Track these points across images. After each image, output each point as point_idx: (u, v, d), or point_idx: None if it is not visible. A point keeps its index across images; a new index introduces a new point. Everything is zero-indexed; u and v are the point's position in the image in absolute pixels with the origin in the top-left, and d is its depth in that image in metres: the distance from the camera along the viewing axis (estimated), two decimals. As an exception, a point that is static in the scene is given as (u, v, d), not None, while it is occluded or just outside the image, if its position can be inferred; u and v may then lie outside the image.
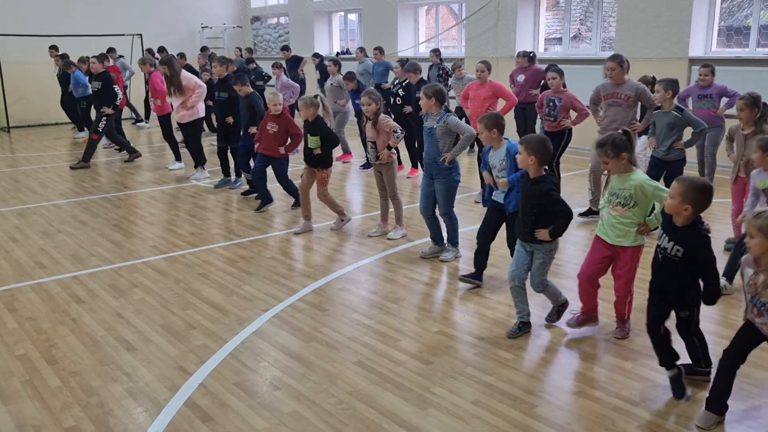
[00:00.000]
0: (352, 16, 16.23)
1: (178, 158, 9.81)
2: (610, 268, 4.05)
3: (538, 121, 8.05)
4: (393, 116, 8.05)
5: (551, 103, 6.77)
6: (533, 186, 3.93)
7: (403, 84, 8.43)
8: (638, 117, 6.77)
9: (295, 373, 3.69)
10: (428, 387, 3.51)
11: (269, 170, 7.21)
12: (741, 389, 3.38)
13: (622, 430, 3.12)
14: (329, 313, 4.52)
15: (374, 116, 5.85)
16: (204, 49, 15.51)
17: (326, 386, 3.54)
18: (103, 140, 10.93)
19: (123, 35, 14.99)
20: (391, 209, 6.21)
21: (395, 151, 6.19)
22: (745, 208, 4.70)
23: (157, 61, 10.18)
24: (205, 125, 10.92)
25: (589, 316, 4.16)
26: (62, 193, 8.32)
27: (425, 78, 9.50)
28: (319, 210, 7.26)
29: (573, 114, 6.92)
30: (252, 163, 7.57)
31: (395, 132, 5.84)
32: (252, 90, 7.73)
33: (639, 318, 4.24)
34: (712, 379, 3.27)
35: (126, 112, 13.38)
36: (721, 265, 4.71)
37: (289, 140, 7.04)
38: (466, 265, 5.44)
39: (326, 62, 9.65)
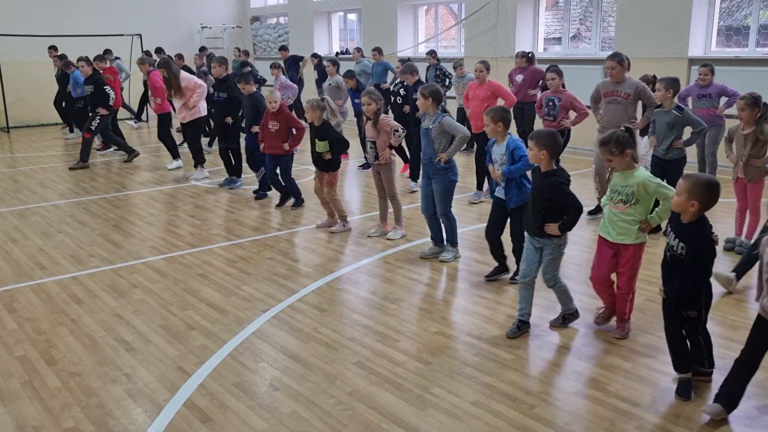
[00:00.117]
0: (352, 16, 16.23)
1: (175, 156, 9.81)
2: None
3: (537, 121, 8.03)
4: (393, 116, 8.06)
5: (551, 103, 6.78)
6: (544, 180, 3.95)
7: (405, 84, 8.43)
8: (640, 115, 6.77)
9: (294, 373, 3.69)
10: (427, 387, 3.51)
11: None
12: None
13: (622, 431, 3.12)
14: (328, 313, 4.51)
15: (375, 116, 5.85)
16: (202, 49, 15.50)
17: (325, 387, 3.54)
18: (96, 143, 10.95)
19: (122, 35, 14.98)
20: (391, 209, 6.22)
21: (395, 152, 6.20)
22: None
23: (155, 60, 10.20)
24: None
25: (613, 310, 4.16)
26: (61, 194, 8.32)
27: (423, 80, 9.50)
28: (319, 210, 7.26)
29: (572, 114, 6.92)
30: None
31: (396, 131, 5.84)
32: (256, 89, 7.73)
33: (639, 318, 4.26)
34: (722, 380, 3.27)
35: (124, 113, 13.38)
36: (722, 265, 4.74)
37: (292, 136, 7.08)
38: (466, 266, 5.44)
39: (325, 62, 9.63)
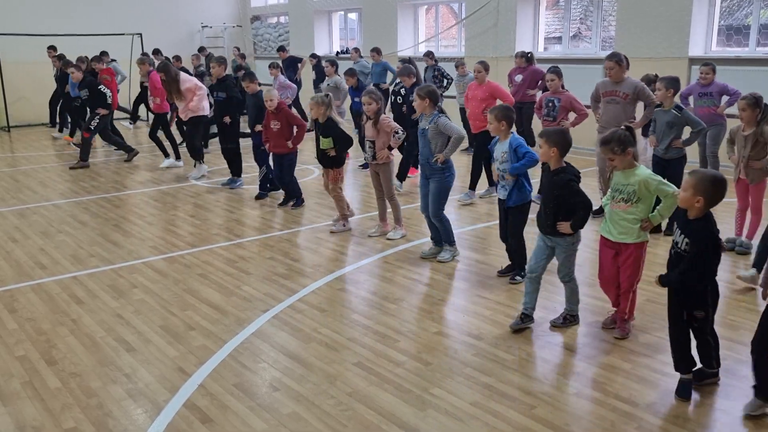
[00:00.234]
0: (352, 15, 16.22)
1: (166, 155, 9.81)
2: None
3: (535, 121, 8.03)
4: (393, 116, 8.05)
5: (550, 104, 6.78)
6: (554, 177, 3.99)
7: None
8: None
9: (294, 374, 3.69)
10: (427, 388, 3.51)
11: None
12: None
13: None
14: (329, 313, 4.52)
15: (375, 116, 5.85)
16: (201, 49, 15.48)
17: (325, 387, 3.54)
18: (77, 137, 10.97)
19: (123, 35, 14.99)
20: (390, 210, 6.22)
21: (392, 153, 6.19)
22: None
23: (154, 61, 10.21)
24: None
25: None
26: (62, 193, 8.32)
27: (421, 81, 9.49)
28: (319, 209, 7.27)
29: (572, 115, 6.93)
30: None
31: (396, 133, 5.85)
32: (260, 88, 7.74)
33: (639, 318, 4.26)
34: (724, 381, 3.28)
35: (118, 114, 13.34)
36: (723, 265, 4.73)
37: (294, 134, 7.11)
38: (466, 266, 5.44)
39: (323, 63, 9.62)
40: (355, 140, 8.94)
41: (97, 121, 9.90)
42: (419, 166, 5.61)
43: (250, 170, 9.18)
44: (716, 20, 9.57)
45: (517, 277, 4.97)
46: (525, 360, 3.84)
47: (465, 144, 7.77)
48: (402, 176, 7.95)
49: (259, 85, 7.78)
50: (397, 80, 9.17)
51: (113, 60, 12.58)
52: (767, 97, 5.49)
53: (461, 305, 4.66)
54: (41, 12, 15.04)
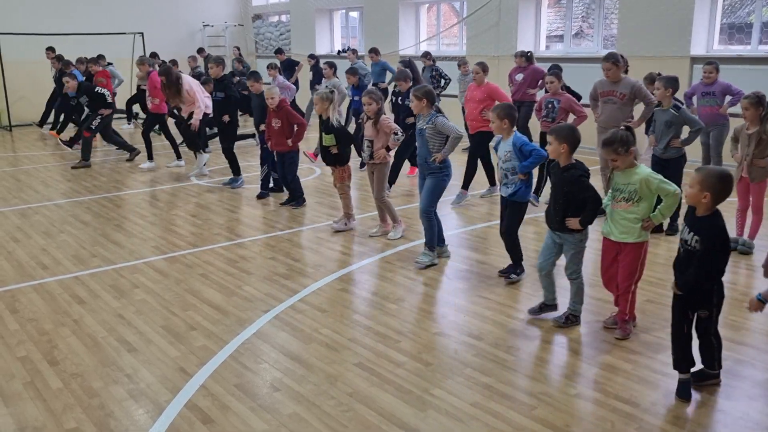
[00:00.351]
0: (354, 14, 16.22)
1: (150, 158, 9.72)
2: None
3: (533, 121, 8.01)
4: (394, 117, 8.04)
5: (550, 105, 6.77)
6: (564, 174, 4.02)
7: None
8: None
9: (295, 374, 3.70)
10: (427, 389, 3.52)
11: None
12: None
13: (622, 432, 3.13)
14: (329, 314, 4.52)
15: (375, 116, 5.85)
16: (200, 50, 15.46)
17: (326, 388, 3.55)
18: (64, 136, 11.00)
19: (124, 33, 15.01)
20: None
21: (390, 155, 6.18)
22: None
23: (154, 62, 10.23)
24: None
25: None
26: (64, 193, 8.34)
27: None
28: (320, 209, 7.28)
29: (571, 118, 6.92)
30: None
31: (395, 134, 5.84)
32: (264, 88, 7.74)
33: (639, 319, 4.26)
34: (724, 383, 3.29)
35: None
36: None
37: (294, 132, 7.13)
38: (466, 266, 5.44)
39: (322, 65, 9.60)
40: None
41: (98, 120, 9.92)
42: (418, 166, 5.61)
43: (251, 169, 9.20)
44: (718, 18, 9.55)
45: (512, 276, 4.97)
46: (525, 360, 3.84)
47: (466, 143, 7.75)
48: (391, 180, 7.89)
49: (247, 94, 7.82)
50: None
51: (110, 63, 12.52)
52: (770, 96, 5.48)
53: (462, 305, 4.66)
54: (42, 11, 15.06)
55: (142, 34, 15.23)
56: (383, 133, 5.87)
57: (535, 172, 5.08)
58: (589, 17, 12.98)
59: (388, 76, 11.31)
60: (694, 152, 7.53)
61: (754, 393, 3.45)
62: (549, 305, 4.35)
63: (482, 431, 3.15)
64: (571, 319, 4.23)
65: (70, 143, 10.98)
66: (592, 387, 3.53)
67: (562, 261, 4.29)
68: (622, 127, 3.94)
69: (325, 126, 6.24)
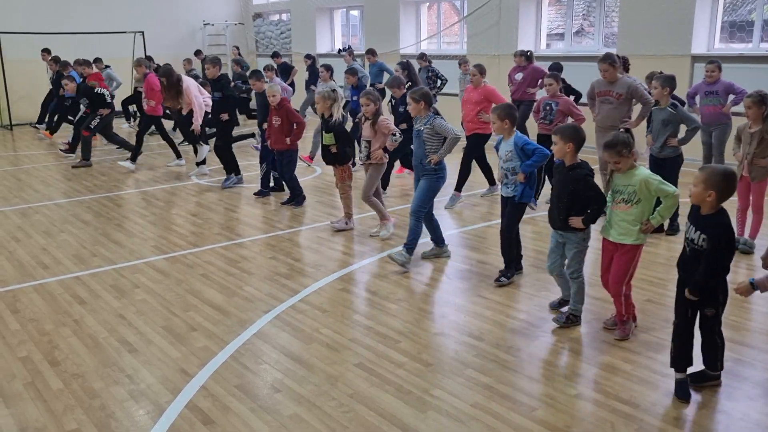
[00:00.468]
0: (354, 13, 16.20)
1: (134, 159, 9.63)
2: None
3: (531, 122, 8.00)
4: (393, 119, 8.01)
5: (548, 107, 6.73)
6: (569, 173, 4.04)
7: (406, 86, 8.33)
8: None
9: (295, 375, 3.70)
10: (428, 389, 3.52)
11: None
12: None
13: (622, 433, 3.13)
14: (330, 314, 4.52)
15: (373, 116, 5.85)
16: (198, 53, 15.42)
17: (327, 389, 3.55)
18: (62, 145, 11.00)
19: (125, 33, 15.00)
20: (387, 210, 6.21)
21: (387, 155, 6.15)
22: None
23: (151, 64, 10.23)
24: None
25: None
26: (65, 192, 8.34)
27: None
28: (320, 208, 7.27)
29: (568, 120, 6.91)
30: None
31: (393, 135, 5.83)
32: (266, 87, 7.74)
33: (640, 319, 4.26)
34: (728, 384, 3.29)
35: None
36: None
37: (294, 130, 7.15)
38: (467, 266, 5.44)
39: (319, 68, 9.58)
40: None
41: (98, 120, 9.91)
42: (413, 167, 5.58)
43: (252, 168, 9.20)
44: (719, 16, 9.53)
45: (502, 279, 4.92)
46: (526, 361, 3.84)
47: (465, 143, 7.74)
48: (384, 183, 7.86)
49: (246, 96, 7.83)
50: None
51: (107, 66, 12.44)
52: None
53: (462, 305, 4.66)
54: (43, 10, 15.06)
55: (143, 33, 15.22)
56: (381, 133, 5.87)
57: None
58: (589, 15, 12.96)
59: (386, 76, 11.30)
60: (694, 151, 7.54)
61: (755, 393, 3.45)
62: (567, 300, 4.38)
63: (482, 432, 3.15)
64: (571, 319, 4.23)
65: (70, 150, 10.93)
66: (592, 388, 3.53)
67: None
68: (621, 130, 3.94)
69: (326, 124, 6.24)
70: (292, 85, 12.65)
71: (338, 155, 6.25)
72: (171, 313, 4.57)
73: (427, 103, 5.22)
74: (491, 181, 7.64)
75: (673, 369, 3.47)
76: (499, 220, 5.12)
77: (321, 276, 5.24)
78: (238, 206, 7.56)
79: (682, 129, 5.87)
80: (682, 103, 7.49)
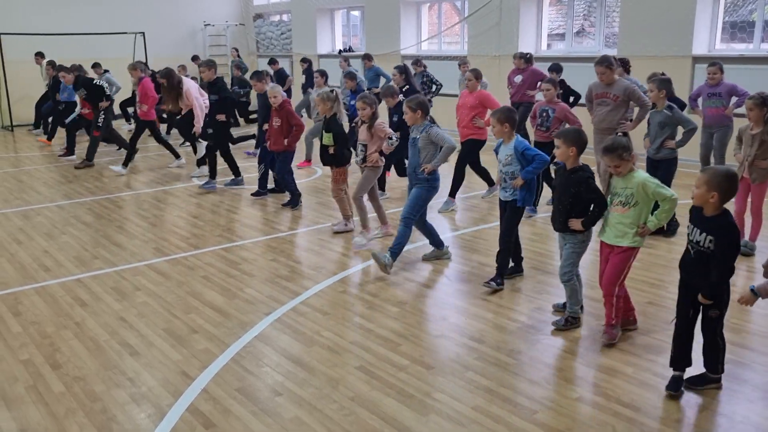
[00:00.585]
0: (355, 13, 16.20)
1: (126, 164, 9.59)
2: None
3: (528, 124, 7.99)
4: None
5: (544, 114, 6.70)
6: (571, 176, 4.06)
7: (403, 90, 8.31)
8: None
9: (297, 378, 3.71)
10: (429, 392, 3.52)
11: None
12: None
13: (623, 437, 3.13)
14: (331, 316, 4.53)
15: (370, 120, 5.84)
16: (194, 58, 15.39)
17: (328, 391, 3.55)
18: (60, 149, 11.02)
19: (125, 33, 15.01)
20: (385, 212, 6.19)
21: (383, 158, 6.13)
22: None
23: (146, 67, 10.27)
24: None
25: (624, 318, 4.18)
26: (66, 194, 8.35)
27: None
28: (321, 210, 7.28)
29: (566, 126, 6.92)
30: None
31: (390, 138, 5.82)
32: (267, 88, 7.75)
33: (641, 321, 4.26)
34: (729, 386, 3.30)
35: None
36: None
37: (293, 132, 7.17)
38: (468, 269, 5.44)
39: (314, 74, 9.58)
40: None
41: (103, 116, 9.92)
42: (407, 175, 5.53)
43: (252, 170, 9.20)
44: (720, 17, 9.52)
45: (492, 283, 4.87)
46: (527, 364, 3.84)
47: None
48: (381, 185, 7.86)
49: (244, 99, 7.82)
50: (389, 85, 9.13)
51: (106, 71, 12.42)
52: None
53: (463, 308, 4.67)
54: (44, 11, 15.07)
55: (143, 34, 15.24)
56: (377, 137, 5.86)
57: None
58: (590, 15, 12.96)
59: (382, 81, 11.30)
60: (692, 152, 7.56)
61: (755, 396, 3.45)
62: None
63: (483, 435, 3.16)
64: (570, 321, 4.24)
65: (69, 153, 10.90)
66: (593, 391, 3.53)
67: (553, 261, 4.30)
68: (619, 134, 3.96)
69: (327, 124, 6.25)
70: (288, 92, 12.67)
71: (336, 156, 6.25)
72: (172, 316, 4.58)
73: (423, 112, 5.21)
74: (490, 182, 7.64)
75: (672, 368, 3.50)
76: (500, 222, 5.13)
77: (322, 278, 5.25)
78: (238, 208, 7.56)
79: (679, 131, 5.87)
80: (683, 105, 7.50)
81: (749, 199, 5.52)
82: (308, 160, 9.80)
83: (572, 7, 11.55)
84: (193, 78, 11.73)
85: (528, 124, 7.85)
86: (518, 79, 9.31)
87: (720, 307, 3.36)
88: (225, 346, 4.10)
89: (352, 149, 6.35)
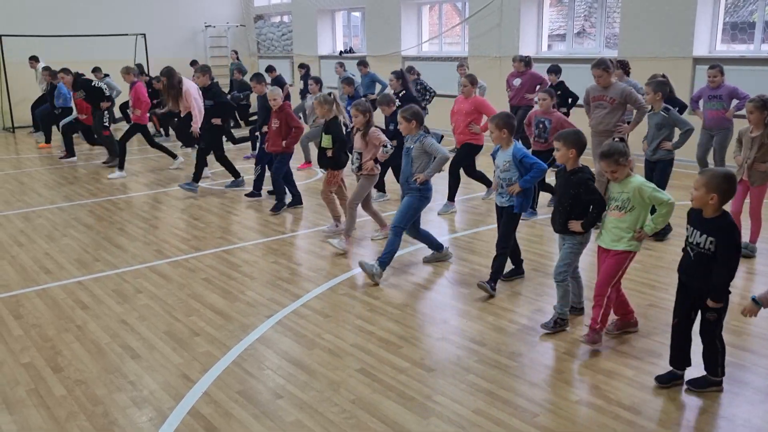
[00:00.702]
0: (356, 14, 16.20)
1: (121, 167, 9.53)
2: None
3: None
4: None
5: (541, 125, 6.67)
6: (571, 177, 4.08)
7: (400, 95, 8.28)
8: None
9: (298, 381, 3.71)
10: (430, 395, 3.53)
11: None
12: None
13: (624, 440, 3.14)
14: (332, 319, 4.53)
15: (364, 127, 5.82)
16: (193, 63, 15.37)
17: (329, 395, 3.56)
18: (60, 152, 11.03)
19: (126, 35, 15.02)
20: (384, 215, 6.18)
21: (379, 166, 6.12)
22: None
23: (138, 72, 10.30)
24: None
25: (624, 321, 4.18)
26: (67, 196, 8.36)
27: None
28: (322, 212, 7.28)
29: None
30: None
31: (385, 146, 5.80)
32: (267, 90, 7.76)
33: (642, 323, 4.26)
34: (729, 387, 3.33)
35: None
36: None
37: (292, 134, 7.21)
38: (469, 271, 5.45)
39: (309, 81, 9.57)
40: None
41: (106, 116, 9.97)
42: (400, 185, 5.51)
43: (251, 171, 9.20)
44: (721, 18, 9.52)
45: (487, 285, 4.83)
46: (527, 367, 3.85)
47: None
48: (380, 186, 7.85)
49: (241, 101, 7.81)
50: (392, 92, 9.12)
51: (106, 75, 12.40)
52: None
53: (464, 310, 4.67)
54: (44, 13, 15.08)
55: (144, 35, 15.25)
56: (372, 145, 5.84)
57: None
58: (591, 16, 12.97)
59: (378, 87, 11.30)
60: (689, 153, 7.56)
61: (756, 399, 3.46)
62: (574, 305, 4.41)
63: (484, 439, 3.16)
64: (559, 323, 4.23)
65: (69, 155, 10.88)
66: (594, 394, 3.53)
67: (553, 263, 4.30)
68: (616, 138, 3.96)
69: (326, 127, 6.26)
70: (287, 99, 12.67)
71: (333, 159, 6.26)
72: (173, 318, 4.58)
73: (418, 122, 5.19)
74: (488, 183, 7.63)
75: (672, 367, 3.55)
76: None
77: (323, 280, 5.25)
78: (240, 210, 7.57)
79: (677, 133, 5.88)
80: (684, 107, 7.50)
81: (747, 201, 5.52)
82: (308, 161, 9.82)
83: (573, 8, 11.56)
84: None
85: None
86: (517, 82, 9.31)
87: (718, 311, 3.36)
88: (226, 349, 4.10)
89: (349, 154, 6.35)
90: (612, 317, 4.18)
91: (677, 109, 7.24)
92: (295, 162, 9.27)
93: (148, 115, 9.78)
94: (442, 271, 5.46)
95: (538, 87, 9.17)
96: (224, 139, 10.76)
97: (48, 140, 12.24)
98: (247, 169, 9.22)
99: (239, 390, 3.62)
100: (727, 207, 3.43)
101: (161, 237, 6.54)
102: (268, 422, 3.32)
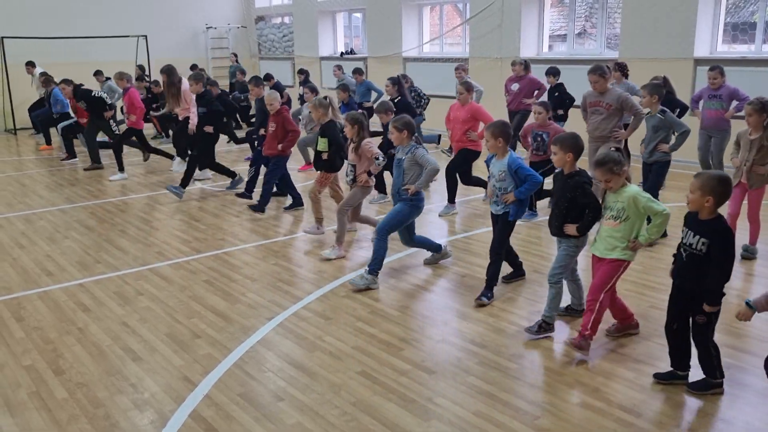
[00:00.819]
0: (357, 15, 16.22)
1: (121, 169, 9.53)
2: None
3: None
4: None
5: (539, 138, 6.61)
6: (568, 180, 4.09)
7: (395, 101, 8.27)
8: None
9: (299, 383, 3.72)
10: (431, 398, 3.53)
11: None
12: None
13: (624, 442, 3.14)
14: (333, 321, 4.54)
15: (356, 139, 5.75)
16: (193, 67, 15.37)
17: (330, 397, 3.56)
18: (61, 154, 11.07)
19: (128, 36, 15.04)
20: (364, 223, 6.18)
21: (374, 178, 6.08)
22: None
23: (133, 77, 10.32)
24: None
25: (624, 324, 4.18)
26: (68, 198, 8.37)
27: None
28: (323, 214, 7.28)
29: None
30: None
31: (377, 159, 5.76)
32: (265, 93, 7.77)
33: (642, 326, 4.26)
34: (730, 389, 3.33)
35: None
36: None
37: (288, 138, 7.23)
38: (469, 273, 5.45)
39: (304, 89, 9.58)
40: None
41: (115, 125, 9.89)
42: (391, 196, 5.46)
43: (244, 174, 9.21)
44: (722, 19, 9.51)
45: (483, 298, 4.77)
46: (528, 369, 3.85)
47: None
48: (382, 188, 7.84)
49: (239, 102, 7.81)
50: (381, 99, 9.11)
51: (108, 78, 12.39)
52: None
53: (465, 312, 4.67)
54: (45, 15, 15.10)
55: (146, 37, 15.27)
56: (365, 158, 5.79)
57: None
58: (592, 17, 12.96)
59: (373, 95, 11.30)
60: (689, 154, 7.55)
61: (756, 401, 3.46)
62: (574, 307, 4.43)
63: (485, 441, 3.16)
64: (544, 327, 4.21)
65: (70, 157, 10.86)
66: (595, 396, 3.53)
67: (549, 263, 4.30)
68: (612, 148, 3.97)
69: (322, 130, 6.27)
70: (288, 104, 12.69)
71: (329, 162, 6.25)
72: (174, 321, 4.59)
73: (409, 132, 5.15)
74: (486, 186, 7.60)
75: (674, 367, 3.59)
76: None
77: (323, 283, 5.26)
78: (240, 211, 7.57)
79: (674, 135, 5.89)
80: (685, 108, 7.50)
81: (745, 202, 5.52)
82: (309, 163, 9.81)
83: (574, 9, 11.55)
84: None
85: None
86: (515, 87, 9.31)
87: (708, 314, 3.37)
88: (227, 351, 4.11)
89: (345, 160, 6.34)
90: (612, 320, 4.19)
91: (679, 110, 7.28)
92: (296, 164, 9.30)
93: (143, 121, 9.77)
94: (443, 273, 5.46)
95: (536, 92, 9.19)
96: (226, 139, 10.82)
97: (48, 142, 12.24)
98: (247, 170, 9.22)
99: (240, 392, 3.63)
100: (724, 209, 3.44)
101: (162, 239, 6.55)
102: (269, 425, 3.33)
